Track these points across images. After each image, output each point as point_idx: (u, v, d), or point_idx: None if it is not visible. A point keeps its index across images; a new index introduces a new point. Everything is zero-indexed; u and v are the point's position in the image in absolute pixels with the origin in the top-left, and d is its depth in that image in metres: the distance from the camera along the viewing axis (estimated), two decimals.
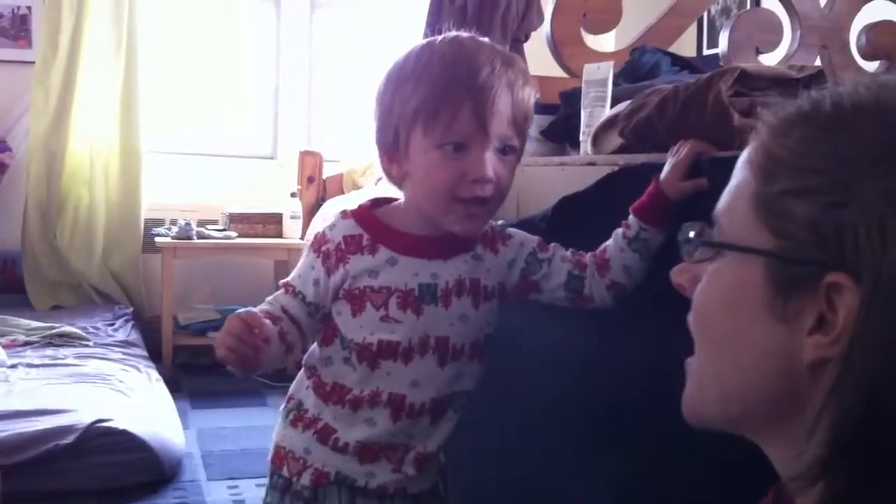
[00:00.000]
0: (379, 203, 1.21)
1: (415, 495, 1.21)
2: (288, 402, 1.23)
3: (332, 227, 1.18)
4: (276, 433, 1.23)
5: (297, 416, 1.20)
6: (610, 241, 1.19)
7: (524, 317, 1.36)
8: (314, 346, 1.21)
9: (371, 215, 1.18)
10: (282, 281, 1.20)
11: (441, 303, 1.14)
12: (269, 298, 1.18)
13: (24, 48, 4.06)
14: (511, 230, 1.23)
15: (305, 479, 1.18)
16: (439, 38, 1.14)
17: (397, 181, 1.18)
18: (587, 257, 1.21)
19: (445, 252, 1.16)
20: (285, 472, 1.20)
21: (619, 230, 1.18)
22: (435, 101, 1.08)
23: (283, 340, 1.11)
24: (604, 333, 1.27)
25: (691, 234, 0.66)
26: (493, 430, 1.55)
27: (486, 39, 1.16)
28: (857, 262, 0.53)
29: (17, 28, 4.08)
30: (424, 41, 1.16)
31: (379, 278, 1.13)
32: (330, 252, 1.15)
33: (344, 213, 1.19)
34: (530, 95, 1.13)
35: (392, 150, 1.14)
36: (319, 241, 1.17)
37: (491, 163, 1.09)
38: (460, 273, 1.16)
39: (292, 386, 1.24)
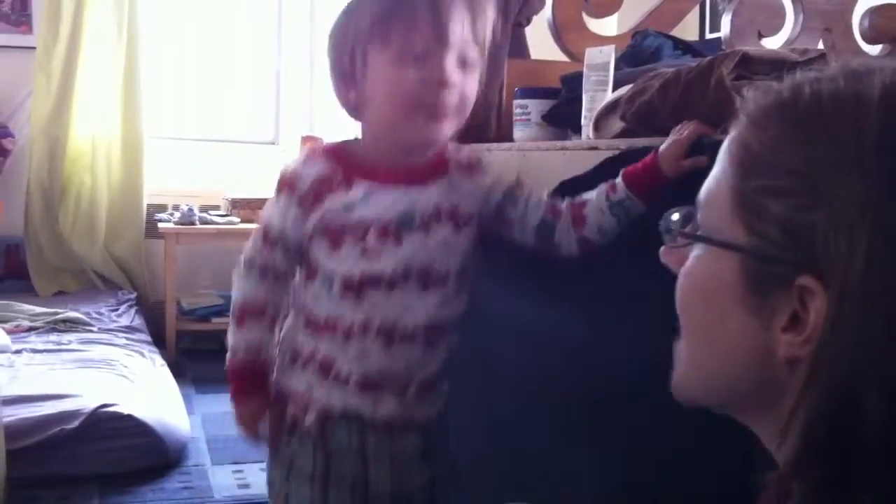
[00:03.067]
0: (347, 142, 1.21)
1: (422, 426, 1.21)
2: (281, 344, 1.22)
3: (303, 163, 1.16)
4: (276, 372, 1.22)
5: (294, 353, 1.19)
6: (591, 197, 1.18)
7: (519, 297, 1.36)
8: (300, 288, 1.20)
9: (342, 149, 1.18)
10: (257, 226, 1.19)
11: (421, 230, 1.14)
12: (240, 282, 1.21)
13: (26, 34, 4.05)
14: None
15: (311, 417, 1.17)
16: None
17: (356, 108, 1.17)
18: (561, 205, 1.20)
19: (421, 178, 1.16)
20: (290, 411, 1.19)
21: (604, 189, 1.17)
22: (390, 12, 1.09)
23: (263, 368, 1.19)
24: (601, 315, 1.27)
25: (673, 220, 0.66)
26: (489, 405, 1.55)
27: None
28: (827, 267, 0.52)
29: (18, 13, 4.07)
30: None
31: (356, 212, 1.13)
32: (305, 193, 1.14)
33: (314, 151, 1.17)
34: (487, 5, 1.13)
35: (349, 74, 1.14)
36: (291, 180, 1.16)
37: (451, 70, 1.09)
38: (438, 199, 1.16)
39: (283, 331, 1.22)
